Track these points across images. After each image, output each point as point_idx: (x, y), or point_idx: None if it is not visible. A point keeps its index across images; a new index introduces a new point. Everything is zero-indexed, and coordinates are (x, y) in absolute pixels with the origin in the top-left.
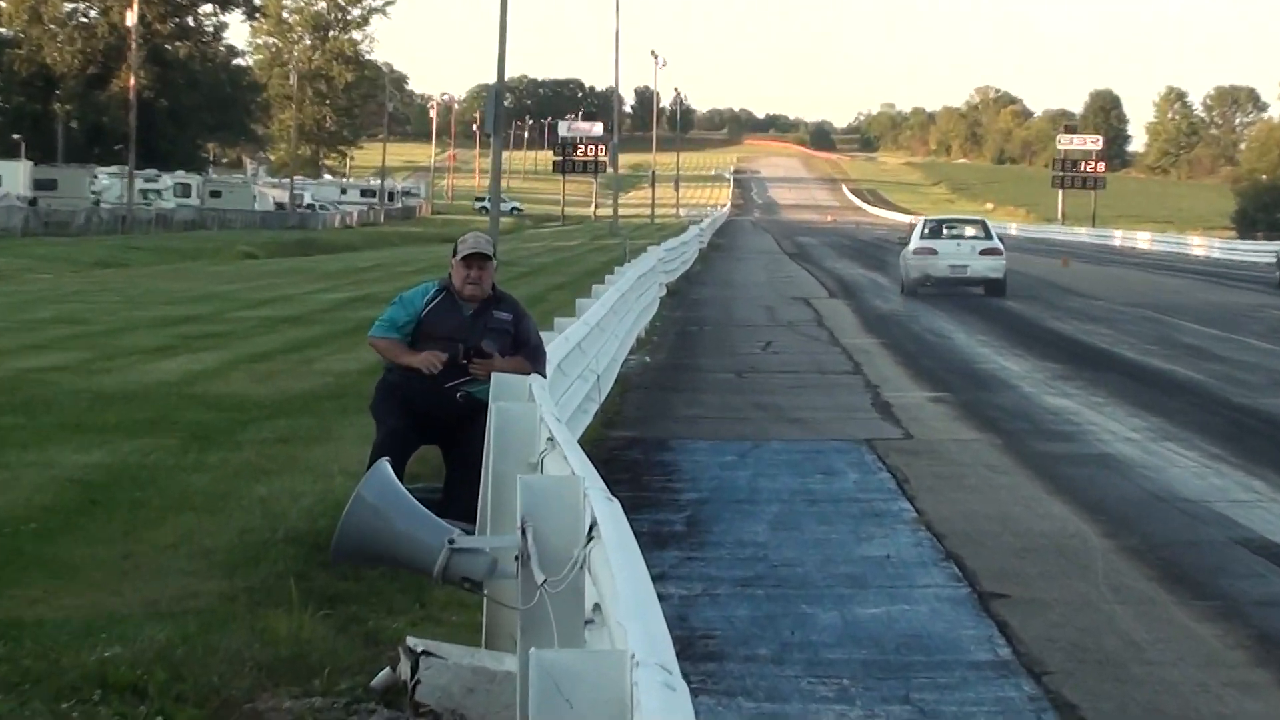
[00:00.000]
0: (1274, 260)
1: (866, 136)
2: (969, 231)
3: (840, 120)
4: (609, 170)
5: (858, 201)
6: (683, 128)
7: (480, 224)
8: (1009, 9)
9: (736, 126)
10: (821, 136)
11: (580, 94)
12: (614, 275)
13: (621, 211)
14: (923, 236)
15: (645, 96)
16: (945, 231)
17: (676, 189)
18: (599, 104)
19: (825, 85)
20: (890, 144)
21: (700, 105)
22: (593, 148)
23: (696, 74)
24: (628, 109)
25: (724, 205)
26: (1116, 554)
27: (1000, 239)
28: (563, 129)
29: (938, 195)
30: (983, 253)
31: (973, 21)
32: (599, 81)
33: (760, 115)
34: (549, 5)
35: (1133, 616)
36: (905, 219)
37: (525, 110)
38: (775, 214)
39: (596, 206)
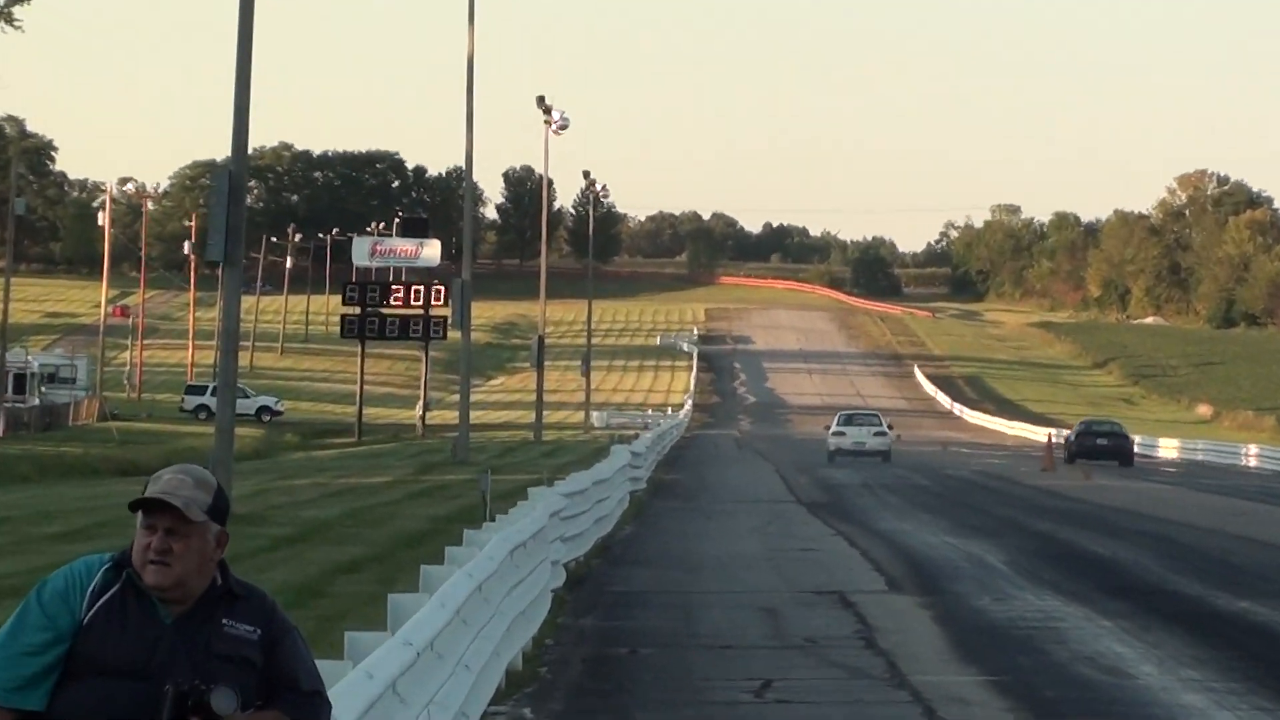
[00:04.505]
0: None
1: (961, 272)
2: (868, 420)
3: (909, 240)
4: (454, 333)
5: (942, 398)
6: (602, 252)
7: (198, 440)
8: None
9: (706, 248)
10: (871, 269)
11: (396, 180)
12: (462, 547)
13: (480, 417)
14: (839, 424)
15: (525, 187)
16: (852, 421)
17: (587, 373)
18: (435, 198)
19: (878, 173)
20: (1009, 285)
21: (636, 209)
22: (420, 290)
23: (626, 150)
24: (491, 210)
25: (682, 405)
26: None
27: (888, 425)
28: (361, 251)
29: (1103, 388)
30: (875, 434)
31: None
32: (431, 159)
33: (753, 229)
34: (335, 13)
35: None
36: (1043, 433)
37: (291, 212)
38: (778, 424)
39: (427, 405)
